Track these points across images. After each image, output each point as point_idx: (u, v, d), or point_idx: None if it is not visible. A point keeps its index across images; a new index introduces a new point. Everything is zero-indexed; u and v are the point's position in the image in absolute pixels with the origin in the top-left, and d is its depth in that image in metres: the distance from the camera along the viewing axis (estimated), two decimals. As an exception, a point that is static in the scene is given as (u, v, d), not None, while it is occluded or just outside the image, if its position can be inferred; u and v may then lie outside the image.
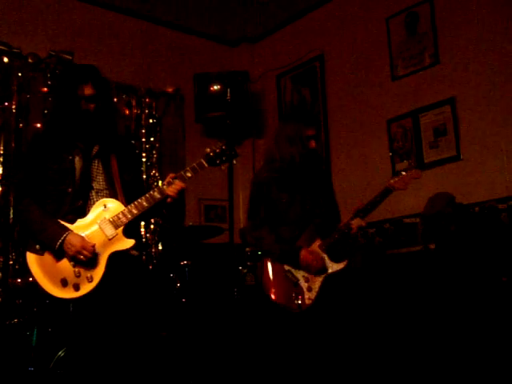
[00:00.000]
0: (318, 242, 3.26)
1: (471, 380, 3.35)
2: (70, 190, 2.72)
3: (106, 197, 2.75)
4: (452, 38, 4.65)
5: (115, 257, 2.67)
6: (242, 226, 5.37)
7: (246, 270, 4.54)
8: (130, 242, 2.68)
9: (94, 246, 2.63)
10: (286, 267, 3.22)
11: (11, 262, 4.37)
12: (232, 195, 4.10)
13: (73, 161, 2.76)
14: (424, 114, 4.77)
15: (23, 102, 4.67)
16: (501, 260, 3.60)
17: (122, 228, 2.67)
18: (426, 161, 4.71)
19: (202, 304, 4.33)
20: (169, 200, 2.74)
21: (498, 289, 3.51)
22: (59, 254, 2.65)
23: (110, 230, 2.66)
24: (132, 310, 2.71)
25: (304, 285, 3.17)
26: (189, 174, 2.76)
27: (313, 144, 3.39)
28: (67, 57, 4.77)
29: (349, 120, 5.33)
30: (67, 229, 2.66)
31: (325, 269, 3.19)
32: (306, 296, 3.14)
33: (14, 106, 4.61)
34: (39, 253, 2.68)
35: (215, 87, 5.51)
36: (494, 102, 4.37)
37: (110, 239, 2.66)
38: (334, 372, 3.14)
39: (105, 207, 2.70)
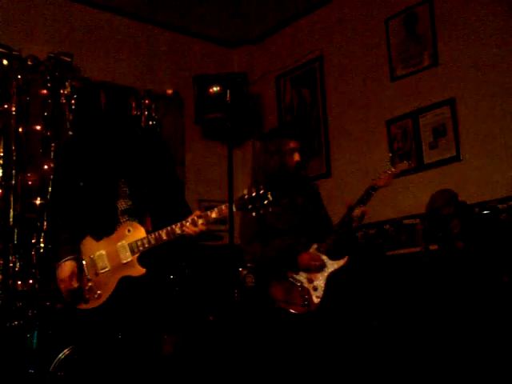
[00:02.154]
0: (314, 246, 3.27)
1: (473, 380, 3.36)
2: (98, 208, 2.75)
3: (132, 217, 2.75)
4: (451, 39, 4.65)
5: (130, 284, 2.68)
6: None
7: (246, 272, 4.53)
8: (140, 271, 2.67)
9: (76, 288, 2.66)
10: (289, 274, 3.23)
11: (11, 265, 4.37)
12: (232, 197, 4.08)
13: (100, 179, 2.77)
14: (424, 115, 4.77)
15: (23, 105, 4.68)
16: (501, 260, 3.60)
17: (137, 255, 2.68)
18: (425, 161, 4.71)
19: (201, 306, 4.33)
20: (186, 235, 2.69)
21: (499, 289, 3.51)
22: (80, 269, 2.73)
23: (125, 255, 2.68)
24: (135, 321, 2.72)
25: (309, 285, 3.17)
26: (214, 216, 2.68)
27: (296, 157, 3.38)
28: (66, 59, 4.77)
29: (348, 121, 5.33)
30: (73, 253, 2.72)
31: (325, 267, 3.19)
32: (314, 295, 3.14)
33: (13, 109, 4.62)
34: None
35: (215, 89, 5.52)
36: (493, 103, 4.37)
37: (124, 263, 2.68)
38: (343, 372, 3.12)
39: (128, 231, 2.71)
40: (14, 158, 4.56)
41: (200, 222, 2.67)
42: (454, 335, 3.55)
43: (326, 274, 3.18)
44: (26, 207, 4.54)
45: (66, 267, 2.68)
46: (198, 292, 4.37)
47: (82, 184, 2.78)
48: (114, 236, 2.73)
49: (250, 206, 2.61)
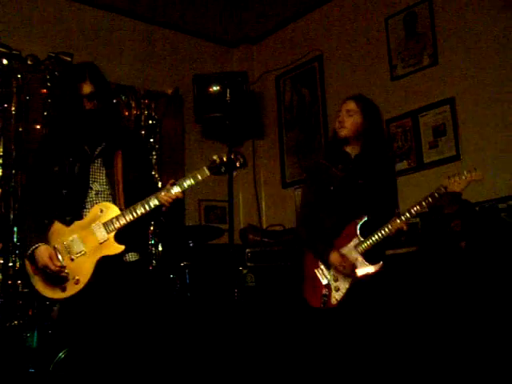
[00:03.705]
0: (355, 242, 3.09)
1: (471, 380, 3.36)
2: (66, 191, 2.71)
3: (107, 198, 2.73)
4: (451, 38, 4.65)
5: (108, 262, 2.64)
6: (241, 226, 5.37)
7: (246, 271, 4.54)
8: (119, 248, 2.64)
9: (61, 265, 2.60)
10: (320, 265, 3.11)
11: (11, 264, 4.37)
12: (232, 196, 4.10)
13: (74, 162, 2.74)
14: (423, 114, 4.77)
15: (23, 104, 4.67)
16: (501, 259, 3.60)
17: (113, 233, 2.64)
18: (425, 161, 4.71)
19: (202, 305, 4.33)
20: (163, 208, 2.69)
21: (499, 288, 3.51)
22: None
23: (101, 235, 2.65)
24: (124, 313, 2.68)
25: (333, 284, 3.05)
26: (188, 182, 2.68)
27: (340, 118, 3.19)
28: (66, 58, 4.77)
29: (348, 120, 5.32)
30: (42, 240, 2.64)
31: (356, 270, 3.04)
32: (333, 296, 3.03)
33: (13, 108, 4.61)
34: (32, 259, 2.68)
35: (214, 88, 5.51)
36: (493, 102, 4.37)
37: (100, 243, 2.64)
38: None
39: (101, 211, 2.67)
40: (14, 157, 4.56)
41: (174, 189, 2.67)
42: (457, 334, 3.55)
43: (354, 277, 3.03)
44: (26, 207, 4.54)
45: (42, 252, 2.61)
46: (199, 291, 4.38)
47: (56, 169, 2.73)
48: (86, 218, 2.68)
49: (222, 169, 2.68)
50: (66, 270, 2.62)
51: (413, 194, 4.64)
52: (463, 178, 3.06)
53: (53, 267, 2.58)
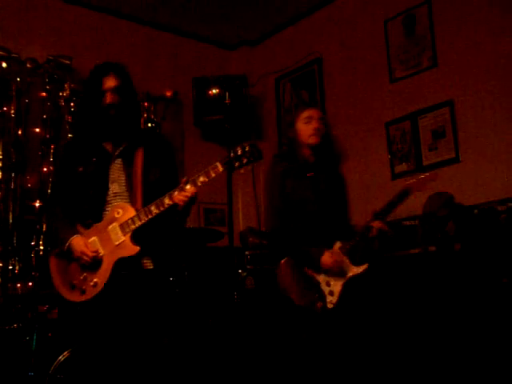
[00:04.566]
0: (338, 245, 3.15)
1: (472, 380, 3.36)
2: (89, 193, 2.73)
3: (125, 200, 2.71)
4: (450, 40, 4.65)
5: (125, 268, 2.65)
6: (241, 229, 5.37)
7: (245, 274, 4.54)
8: (134, 249, 2.62)
9: (96, 251, 2.64)
10: (308, 271, 3.13)
11: (11, 267, 4.37)
12: (231, 199, 4.11)
13: (96, 163, 2.74)
14: (423, 117, 4.77)
15: (22, 107, 4.68)
16: (500, 261, 3.60)
17: (129, 234, 2.63)
18: (424, 163, 4.71)
19: (201, 308, 4.33)
20: (178, 208, 2.64)
21: (498, 290, 3.51)
22: (70, 258, 2.69)
23: (117, 236, 2.64)
24: (136, 318, 2.68)
25: (325, 288, 3.08)
26: (201, 179, 2.60)
27: (313, 125, 3.26)
28: (65, 61, 4.78)
29: (347, 123, 5.33)
30: (76, 233, 2.69)
31: (345, 272, 3.09)
32: (328, 300, 3.05)
33: (12, 111, 4.62)
34: (58, 257, 2.73)
35: (214, 91, 5.52)
36: (492, 104, 4.37)
37: (116, 245, 2.64)
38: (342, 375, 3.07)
39: (118, 213, 2.66)
40: (13, 160, 4.56)
41: (187, 187, 2.61)
42: (453, 337, 3.55)
43: (344, 280, 3.08)
44: (26, 210, 4.54)
45: (78, 241, 2.65)
46: (198, 294, 4.37)
47: (81, 169, 2.74)
48: (104, 221, 2.69)
49: (236, 164, 2.59)
50: (85, 274, 2.65)
51: (412, 196, 4.66)
52: (420, 178, 3.24)
53: (90, 253, 2.61)
